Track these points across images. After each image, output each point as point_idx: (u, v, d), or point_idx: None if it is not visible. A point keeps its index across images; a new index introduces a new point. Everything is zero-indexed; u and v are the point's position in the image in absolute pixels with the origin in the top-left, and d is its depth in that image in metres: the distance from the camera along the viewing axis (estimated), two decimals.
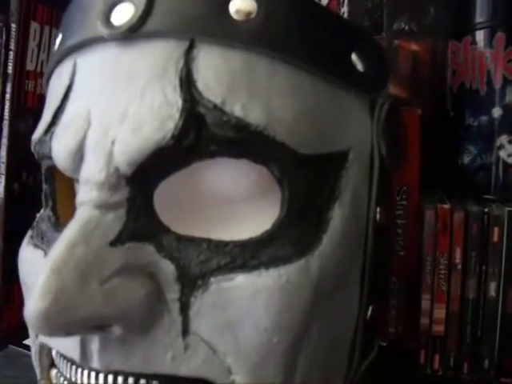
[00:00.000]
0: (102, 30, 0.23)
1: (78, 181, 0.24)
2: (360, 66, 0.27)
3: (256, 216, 0.24)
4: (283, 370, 0.23)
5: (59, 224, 0.29)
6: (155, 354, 0.22)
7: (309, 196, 0.24)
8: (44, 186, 0.30)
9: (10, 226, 0.55)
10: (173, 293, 0.22)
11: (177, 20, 0.23)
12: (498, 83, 0.47)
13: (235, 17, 0.23)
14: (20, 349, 0.53)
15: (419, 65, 0.53)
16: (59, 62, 0.27)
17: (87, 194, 0.22)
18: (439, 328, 0.48)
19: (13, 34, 0.50)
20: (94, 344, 0.23)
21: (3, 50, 0.51)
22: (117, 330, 0.21)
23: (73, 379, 0.25)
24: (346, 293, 0.26)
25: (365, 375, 0.32)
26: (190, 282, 0.22)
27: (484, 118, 0.48)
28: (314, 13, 0.25)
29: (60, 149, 0.24)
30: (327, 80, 0.25)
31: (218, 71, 0.23)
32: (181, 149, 0.22)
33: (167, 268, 0.22)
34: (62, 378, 0.26)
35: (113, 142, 0.22)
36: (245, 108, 0.22)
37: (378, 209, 0.27)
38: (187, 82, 0.22)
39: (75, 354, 0.23)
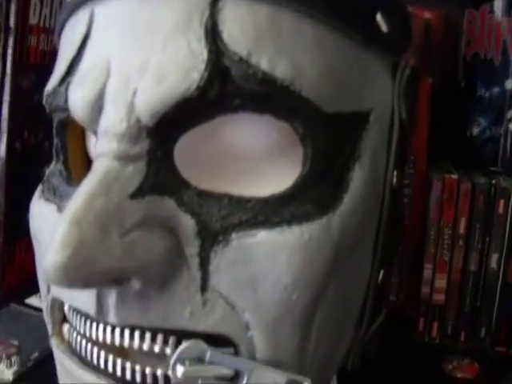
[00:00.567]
0: None
1: (95, 133, 0.24)
2: (384, 27, 0.26)
3: (275, 175, 0.24)
4: (300, 328, 0.23)
5: (71, 179, 0.28)
6: (173, 309, 0.22)
7: (330, 155, 0.24)
8: (55, 140, 0.30)
9: (12, 185, 0.54)
10: (192, 248, 0.22)
11: None
12: None
13: None
14: (21, 307, 0.53)
15: (432, 33, 0.53)
16: (74, 11, 0.26)
17: (106, 146, 0.22)
18: (439, 297, 0.49)
19: None
20: (111, 298, 0.22)
21: (4, 3, 0.49)
22: (135, 284, 0.21)
23: (87, 334, 0.25)
24: (360, 255, 0.26)
25: (369, 340, 0.32)
26: (211, 237, 0.22)
27: (496, 90, 0.47)
28: None
29: (77, 99, 0.23)
30: (351, 39, 0.25)
31: (243, 24, 0.22)
32: (205, 101, 0.21)
33: (187, 223, 0.22)
34: (74, 333, 0.26)
35: (134, 93, 0.22)
36: (271, 62, 0.22)
37: (395, 173, 0.28)
38: (212, 34, 0.22)
39: (91, 309, 0.23)
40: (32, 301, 0.55)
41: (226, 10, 0.22)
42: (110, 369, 0.24)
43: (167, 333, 0.23)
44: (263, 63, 0.22)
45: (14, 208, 0.55)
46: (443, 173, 0.46)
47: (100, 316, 0.23)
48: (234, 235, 0.22)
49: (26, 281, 0.58)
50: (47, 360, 0.44)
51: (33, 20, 0.52)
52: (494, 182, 0.45)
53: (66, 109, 0.26)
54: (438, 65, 0.52)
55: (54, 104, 0.27)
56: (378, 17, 0.26)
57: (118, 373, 0.24)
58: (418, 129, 0.44)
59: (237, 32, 0.22)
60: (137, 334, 0.23)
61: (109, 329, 0.24)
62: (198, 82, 0.21)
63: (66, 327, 0.28)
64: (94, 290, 0.23)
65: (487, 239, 0.46)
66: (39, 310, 0.52)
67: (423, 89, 0.46)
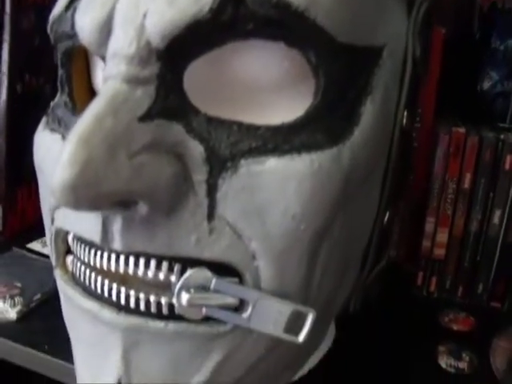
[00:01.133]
0: None
1: (103, 58, 0.23)
2: None
3: (286, 106, 0.24)
4: (307, 260, 0.23)
5: (76, 110, 0.28)
6: (179, 236, 0.22)
7: (342, 87, 0.23)
8: (60, 72, 0.29)
9: (13, 129, 0.54)
10: (200, 174, 0.22)
11: None
12: None
13: None
14: (23, 251, 0.54)
15: None
16: None
17: (115, 68, 0.21)
18: (440, 252, 0.49)
19: None
20: (117, 224, 0.22)
21: None
22: (142, 209, 0.21)
23: (91, 263, 0.25)
24: (367, 193, 0.26)
25: (370, 285, 0.33)
26: (219, 164, 0.22)
27: (511, 42, 0.46)
28: None
29: (85, 22, 0.23)
30: None
31: None
32: (217, 24, 0.21)
33: (196, 149, 0.22)
34: (78, 263, 0.26)
35: (144, 15, 0.21)
36: None
37: (406, 113, 0.27)
38: None
39: (96, 235, 0.23)
40: (34, 246, 0.55)
41: None
42: (114, 297, 0.24)
43: (172, 260, 0.23)
44: None
45: (15, 153, 0.55)
46: (450, 126, 0.45)
47: (105, 243, 0.23)
48: (242, 162, 0.22)
49: (27, 226, 0.58)
50: (49, 301, 0.45)
51: None
52: (502, 136, 0.45)
53: (72, 36, 0.25)
54: (452, 14, 0.51)
55: (60, 31, 0.26)
56: None
57: (122, 301, 0.24)
58: (428, 81, 0.43)
59: None
60: (142, 261, 0.23)
61: (113, 256, 0.23)
62: (210, 4, 0.21)
63: (69, 258, 0.28)
64: (100, 216, 0.23)
65: (491, 195, 0.46)
66: (41, 254, 0.53)
67: (436, 39, 0.44)
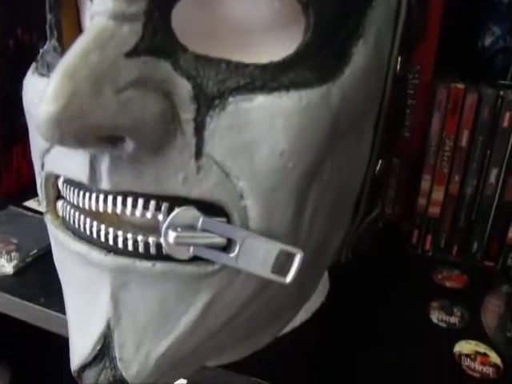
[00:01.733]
0: None
1: None
2: None
3: (276, 47, 0.23)
4: (295, 200, 0.23)
5: None
6: (166, 174, 0.22)
7: (333, 26, 0.23)
8: (48, 17, 0.28)
9: (6, 86, 0.53)
10: (188, 112, 0.21)
11: None
12: None
13: None
14: (20, 209, 0.54)
15: None
16: None
17: (102, 5, 0.21)
18: (435, 210, 0.49)
19: None
20: (104, 163, 0.22)
21: None
22: (129, 146, 0.21)
23: (80, 205, 0.25)
24: (359, 139, 0.26)
25: (363, 234, 0.33)
26: (207, 102, 0.21)
27: None
28: None
29: None
30: None
31: None
32: None
33: (183, 87, 0.21)
34: (68, 207, 0.26)
35: None
36: None
37: (400, 59, 0.27)
38: None
39: (83, 176, 0.23)
40: (30, 204, 0.55)
41: None
42: (103, 239, 0.24)
43: (160, 200, 0.23)
44: None
45: (9, 112, 0.54)
46: (449, 82, 0.44)
47: (93, 182, 0.23)
48: (230, 99, 0.21)
49: (23, 185, 0.58)
50: (45, 256, 0.45)
51: None
52: (501, 93, 0.44)
53: None
54: None
55: None
56: None
57: (110, 241, 0.24)
58: (427, 36, 0.42)
59: None
60: (129, 200, 0.23)
61: (101, 197, 0.23)
62: None
63: (60, 203, 0.28)
64: (88, 157, 0.22)
65: (488, 153, 0.46)
66: (37, 212, 0.53)
67: None
